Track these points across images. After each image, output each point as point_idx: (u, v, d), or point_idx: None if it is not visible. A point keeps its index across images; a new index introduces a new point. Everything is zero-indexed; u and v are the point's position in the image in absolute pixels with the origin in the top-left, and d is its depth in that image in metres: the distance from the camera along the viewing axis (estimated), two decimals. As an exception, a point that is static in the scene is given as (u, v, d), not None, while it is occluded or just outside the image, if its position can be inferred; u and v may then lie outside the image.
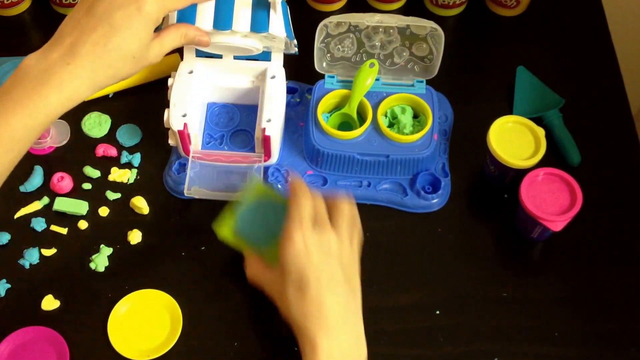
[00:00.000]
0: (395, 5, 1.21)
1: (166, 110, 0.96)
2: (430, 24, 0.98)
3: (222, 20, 0.90)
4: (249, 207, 0.91)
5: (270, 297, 0.86)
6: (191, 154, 0.99)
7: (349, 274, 0.84)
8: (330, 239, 0.83)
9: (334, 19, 1.00)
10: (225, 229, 0.91)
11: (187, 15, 0.90)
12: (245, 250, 0.91)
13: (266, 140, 0.97)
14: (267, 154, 1.00)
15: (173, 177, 1.02)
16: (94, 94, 0.82)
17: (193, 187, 0.98)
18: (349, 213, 0.88)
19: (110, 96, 1.11)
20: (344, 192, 0.90)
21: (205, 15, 0.90)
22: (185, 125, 0.95)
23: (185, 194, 0.98)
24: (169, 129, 0.97)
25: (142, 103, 1.10)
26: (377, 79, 1.04)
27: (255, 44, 0.95)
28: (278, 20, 0.91)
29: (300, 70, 1.01)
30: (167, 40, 0.85)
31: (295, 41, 0.97)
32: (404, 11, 1.21)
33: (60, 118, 1.07)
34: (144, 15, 0.79)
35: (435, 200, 1.01)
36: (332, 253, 0.83)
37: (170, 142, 1.00)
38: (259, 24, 0.91)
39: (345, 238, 0.85)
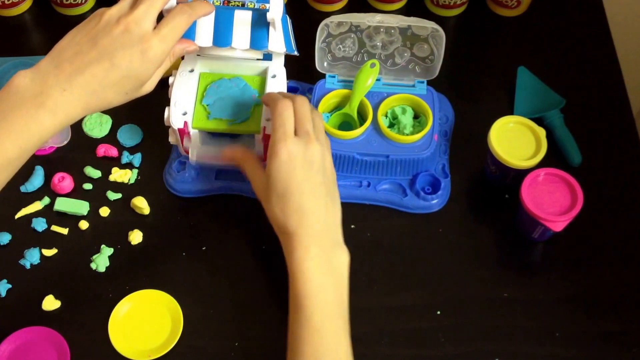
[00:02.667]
0: (396, 6, 1.21)
1: (167, 109, 0.96)
2: (432, 24, 0.98)
3: (222, 37, 0.91)
4: (213, 88, 0.96)
5: (259, 200, 0.88)
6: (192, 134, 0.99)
7: (329, 184, 0.86)
8: (314, 150, 0.84)
9: (335, 18, 1.00)
10: (200, 120, 0.95)
11: (186, 33, 0.90)
12: (221, 129, 0.95)
13: (266, 139, 0.97)
14: (267, 153, 1.00)
15: (173, 175, 1.02)
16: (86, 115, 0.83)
17: (198, 153, 0.99)
18: (321, 121, 0.90)
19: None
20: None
21: (204, 32, 0.91)
22: (185, 123, 0.95)
23: (191, 161, 0.99)
24: (169, 127, 0.97)
25: (143, 103, 1.09)
26: (378, 79, 1.04)
27: (255, 54, 0.95)
28: (277, 37, 0.92)
29: (301, 70, 1.01)
30: (157, 76, 0.86)
31: (295, 48, 0.97)
32: (404, 11, 1.22)
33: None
34: (146, 59, 0.80)
35: (434, 201, 1.01)
36: (315, 164, 0.84)
37: (171, 140, 1.00)
38: (258, 41, 0.91)
39: (326, 148, 0.87)
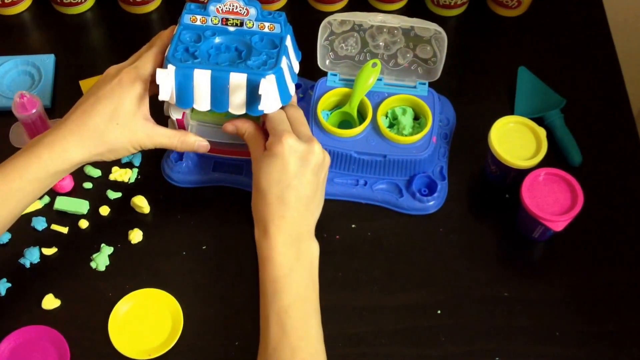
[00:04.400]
0: (396, 6, 1.21)
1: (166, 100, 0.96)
2: (434, 26, 0.98)
3: (218, 103, 0.92)
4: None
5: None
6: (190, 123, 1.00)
7: (318, 187, 0.89)
8: (316, 150, 0.88)
9: (337, 16, 0.99)
10: (199, 111, 0.97)
11: (184, 99, 0.91)
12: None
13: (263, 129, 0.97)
14: None
15: (171, 166, 1.02)
16: (92, 159, 0.90)
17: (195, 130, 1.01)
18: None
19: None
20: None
21: (202, 99, 0.92)
22: (184, 114, 0.95)
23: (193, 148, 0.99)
24: (168, 117, 0.97)
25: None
26: (379, 79, 1.04)
27: None
28: (273, 100, 0.91)
29: (305, 67, 1.01)
30: (161, 133, 0.92)
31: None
32: (405, 11, 1.22)
33: (61, 116, 1.08)
34: (122, 85, 0.89)
35: (430, 203, 1.01)
36: (312, 164, 0.87)
37: None
38: (254, 107, 0.91)
39: (326, 153, 0.90)
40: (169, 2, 1.24)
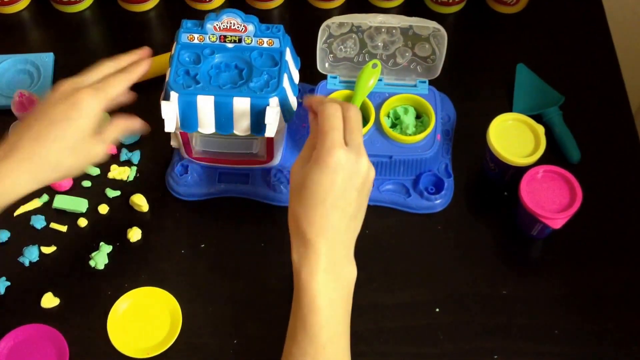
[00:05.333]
0: (395, 3, 1.21)
1: None
2: (433, 24, 0.98)
3: (223, 127, 0.92)
4: None
5: (290, 191, 0.83)
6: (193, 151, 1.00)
7: (362, 202, 0.82)
8: (363, 165, 0.80)
9: (336, 19, 0.99)
10: None
11: (188, 124, 0.92)
12: None
13: (268, 142, 0.97)
14: (270, 155, 1.00)
15: (176, 179, 1.02)
16: (41, 186, 0.84)
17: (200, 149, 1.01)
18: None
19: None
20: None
21: (206, 123, 0.92)
22: None
23: (194, 155, 1.00)
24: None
25: (142, 101, 1.10)
26: (379, 80, 1.04)
27: None
28: (277, 121, 0.92)
29: (303, 71, 1.01)
30: (107, 135, 0.88)
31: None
32: (403, 9, 1.21)
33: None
34: (80, 108, 0.83)
35: (438, 201, 1.01)
36: (358, 180, 0.80)
37: (173, 143, 1.00)
38: (258, 128, 0.92)
39: (372, 167, 0.82)
40: (167, 0, 1.24)
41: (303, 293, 0.77)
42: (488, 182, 1.04)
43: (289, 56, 0.95)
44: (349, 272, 0.81)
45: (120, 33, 1.21)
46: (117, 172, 1.04)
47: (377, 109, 1.01)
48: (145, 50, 0.95)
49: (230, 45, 0.94)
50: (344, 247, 0.81)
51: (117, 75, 0.89)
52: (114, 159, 1.06)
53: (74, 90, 0.85)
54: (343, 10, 1.22)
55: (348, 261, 0.81)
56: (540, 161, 0.96)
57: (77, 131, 0.83)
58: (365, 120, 1.02)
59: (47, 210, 1.02)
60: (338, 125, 0.80)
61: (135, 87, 1.12)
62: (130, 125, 0.91)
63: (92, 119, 0.84)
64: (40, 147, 0.82)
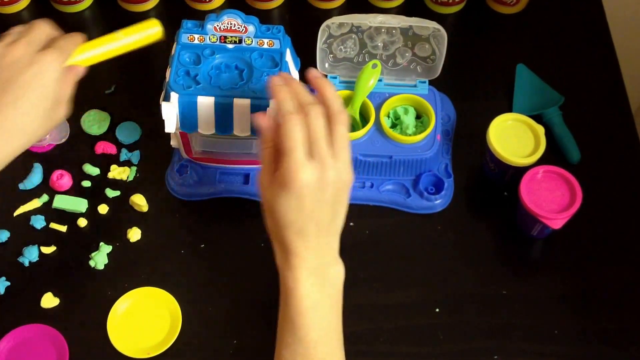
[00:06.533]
0: (395, 3, 1.21)
1: None
2: (433, 24, 0.98)
3: (223, 128, 0.92)
4: None
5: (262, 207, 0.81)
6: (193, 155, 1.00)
7: (339, 200, 0.79)
8: (329, 177, 0.76)
9: (336, 19, 0.99)
10: None
11: (188, 124, 0.92)
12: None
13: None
14: None
15: (176, 179, 1.02)
16: (11, 157, 0.81)
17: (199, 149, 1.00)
18: (344, 128, 0.79)
19: (107, 92, 1.12)
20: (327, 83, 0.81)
21: (206, 124, 0.92)
22: None
23: (193, 155, 1.00)
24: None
25: (141, 100, 1.10)
26: (379, 80, 1.03)
27: None
28: None
29: (303, 71, 1.00)
30: (64, 100, 0.84)
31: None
32: (404, 9, 1.21)
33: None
34: (46, 76, 0.80)
35: (438, 201, 1.01)
36: (327, 191, 0.76)
37: (172, 143, 1.00)
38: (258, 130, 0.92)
39: (344, 163, 0.78)
40: (167, 0, 1.24)
41: (290, 297, 0.77)
42: (488, 182, 1.04)
43: (289, 57, 0.95)
44: (336, 272, 0.80)
45: (120, 33, 1.21)
46: (117, 172, 1.04)
47: (377, 109, 1.01)
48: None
49: (230, 46, 0.94)
50: (327, 248, 0.80)
51: (71, 36, 0.85)
52: (114, 159, 1.06)
53: (34, 54, 0.80)
54: (343, 10, 1.22)
55: (333, 261, 0.80)
56: (540, 161, 0.96)
57: (46, 99, 0.80)
58: (365, 120, 1.02)
59: (47, 210, 1.02)
60: (299, 141, 0.75)
61: (135, 87, 1.12)
62: (78, 75, 0.86)
63: (57, 83, 0.81)
64: (14, 116, 0.79)
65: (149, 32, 0.88)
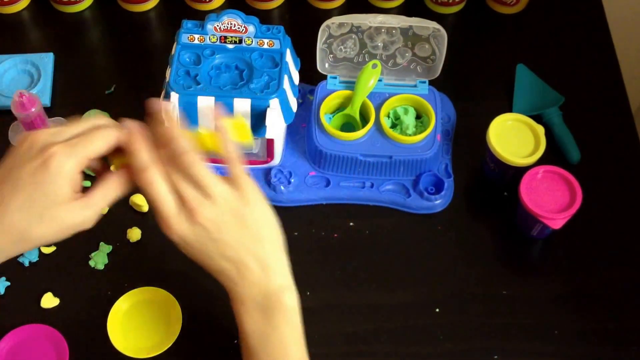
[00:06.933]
0: (395, 3, 1.21)
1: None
2: (433, 24, 0.98)
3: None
4: None
5: None
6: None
7: (251, 227, 0.74)
8: (206, 221, 0.72)
9: (336, 20, 0.99)
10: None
11: (188, 123, 0.91)
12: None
13: (269, 142, 0.97)
14: (270, 155, 1.00)
15: None
16: (9, 258, 0.73)
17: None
18: (201, 167, 0.73)
19: (107, 92, 1.12)
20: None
21: (206, 123, 0.92)
22: None
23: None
24: None
25: (141, 100, 1.10)
26: (379, 80, 1.04)
27: None
28: (277, 123, 0.92)
29: (303, 71, 1.01)
30: (97, 199, 0.73)
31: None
32: (403, 9, 1.21)
33: (60, 115, 1.08)
34: (50, 170, 0.69)
35: (438, 201, 1.01)
36: (215, 230, 0.73)
37: None
38: (259, 130, 0.92)
39: (226, 196, 0.73)
40: (167, 0, 1.24)
41: (239, 330, 0.76)
42: (488, 182, 1.04)
43: (289, 57, 0.95)
44: (283, 301, 0.75)
45: (120, 33, 1.21)
46: (117, 172, 1.04)
47: (377, 109, 1.01)
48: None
49: (230, 46, 0.94)
50: (266, 276, 0.75)
51: (101, 130, 0.73)
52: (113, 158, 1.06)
53: (44, 147, 0.70)
54: (343, 10, 1.22)
55: (278, 290, 0.75)
56: (540, 161, 0.96)
57: (46, 197, 0.69)
58: (365, 121, 1.02)
59: (47, 210, 1.01)
60: (161, 198, 0.72)
61: (135, 87, 1.12)
62: (126, 183, 0.75)
63: (65, 182, 0.70)
64: (3, 214, 0.69)
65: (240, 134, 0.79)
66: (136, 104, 1.08)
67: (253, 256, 0.75)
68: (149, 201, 0.73)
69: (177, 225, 0.72)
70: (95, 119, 0.75)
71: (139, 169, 0.72)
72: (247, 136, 0.78)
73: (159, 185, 0.72)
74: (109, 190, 0.74)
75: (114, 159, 0.75)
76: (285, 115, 0.94)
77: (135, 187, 0.75)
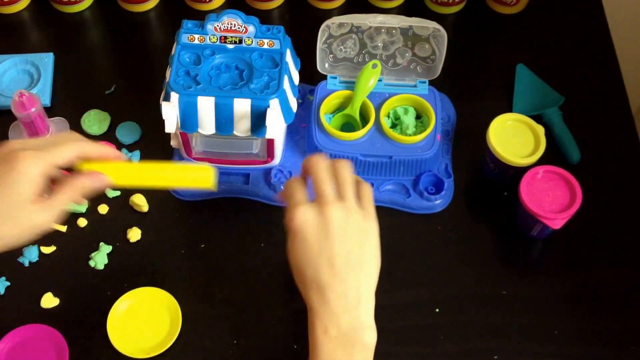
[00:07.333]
0: (395, 3, 1.21)
1: None
2: (433, 24, 0.98)
3: (223, 128, 0.93)
4: None
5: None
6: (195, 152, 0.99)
7: (354, 248, 0.77)
8: (330, 214, 0.75)
9: (336, 19, 0.99)
10: None
11: (189, 124, 0.92)
12: None
13: (269, 142, 0.97)
14: (270, 155, 1.00)
15: None
16: None
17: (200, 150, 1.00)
18: (370, 191, 0.81)
19: (107, 92, 1.12)
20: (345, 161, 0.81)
21: (207, 124, 0.92)
22: None
23: (194, 155, 1.00)
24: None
25: (141, 100, 1.10)
26: (379, 80, 1.03)
27: None
28: (277, 123, 0.92)
29: (303, 71, 1.01)
30: (54, 201, 0.75)
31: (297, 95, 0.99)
32: (404, 9, 1.21)
33: (60, 115, 1.08)
34: (17, 172, 0.72)
35: (438, 202, 1.01)
36: (332, 230, 0.75)
37: (173, 144, 1.00)
38: (259, 130, 0.92)
39: (354, 211, 0.78)
40: (167, 0, 1.24)
41: (313, 354, 0.75)
42: (488, 182, 1.04)
43: (289, 57, 0.95)
44: (363, 338, 0.76)
45: (120, 33, 1.21)
46: (117, 172, 1.04)
47: (377, 109, 1.01)
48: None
49: (230, 46, 0.94)
50: (352, 309, 0.76)
51: (69, 142, 0.77)
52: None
53: (14, 151, 0.73)
54: (343, 10, 1.22)
55: (361, 325, 0.76)
56: (540, 161, 0.96)
57: (10, 198, 0.72)
58: (365, 121, 1.02)
59: (47, 210, 1.01)
60: (295, 190, 0.78)
61: (135, 87, 1.12)
62: (88, 186, 0.77)
63: (30, 185, 0.73)
64: None
65: (200, 181, 0.81)
66: (136, 104, 1.09)
67: (354, 280, 0.76)
68: (286, 192, 0.78)
69: (305, 211, 0.75)
70: (68, 134, 0.80)
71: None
72: (209, 182, 0.81)
73: (294, 181, 0.78)
74: (69, 194, 0.76)
75: (79, 165, 0.78)
76: (285, 115, 0.94)
77: (98, 193, 0.78)
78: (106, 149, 0.79)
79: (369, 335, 0.76)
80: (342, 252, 0.76)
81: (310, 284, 0.75)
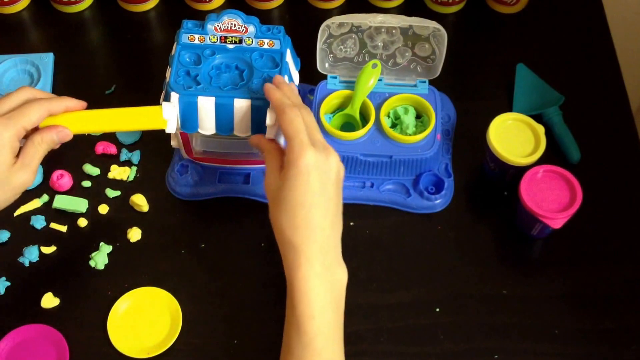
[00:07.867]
0: (395, 3, 1.21)
1: None
2: (433, 24, 0.98)
3: (223, 128, 0.92)
4: None
5: (269, 203, 0.83)
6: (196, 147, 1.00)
7: (339, 198, 0.82)
8: (333, 161, 0.81)
9: (336, 19, 0.99)
10: None
11: (189, 124, 0.92)
12: None
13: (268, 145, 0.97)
14: None
15: (176, 179, 1.02)
16: None
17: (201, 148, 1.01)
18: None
19: (107, 92, 1.12)
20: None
21: (207, 124, 0.92)
22: None
23: (194, 155, 1.00)
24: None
25: (141, 101, 1.10)
26: (379, 80, 1.03)
27: None
28: (276, 124, 0.92)
29: (303, 71, 1.01)
30: (28, 158, 0.82)
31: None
32: (404, 9, 1.21)
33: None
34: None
35: (438, 201, 1.01)
36: (332, 176, 0.81)
37: (173, 144, 1.00)
38: (258, 129, 0.92)
39: (341, 164, 0.83)
40: (167, 0, 1.24)
41: (297, 301, 0.78)
42: (488, 182, 1.04)
43: (289, 57, 0.95)
44: (340, 274, 0.81)
45: (120, 33, 1.21)
46: (117, 172, 1.04)
47: (377, 109, 1.01)
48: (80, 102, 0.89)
49: (230, 46, 0.94)
50: (333, 247, 0.81)
51: (34, 103, 0.83)
52: (114, 159, 1.06)
53: None
54: (343, 10, 1.22)
55: (338, 263, 0.81)
56: (540, 161, 0.96)
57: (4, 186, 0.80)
58: (365, 120, 1.02)
59: (47, 210, 1.02)
60: (302, 127, 0.81)
61: (135, 87, 1.12)
62: (52, 138, 0.85)
63: (6, 151, 0.79)
64: None
65: (152, 121, 0.90)
66: (136, 104, 1.09)
67: (338, 221, 0.82)
68: (288, 132, 0.81)
69: (309, 152, 0.79)
70: (26, 91, 0.85)
71: (285, 105, 0.83)
72: (160, 121, 0.89)
73: (301, 121, 0.81)
74: (38, 147, 0.83)
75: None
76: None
77: (64, 142, 0.86)
78: (68, 101, 0.86)
79: (343, 272, 0.82)
80: (335, 199, 0.81)
81: (300, 222, 0.79)
